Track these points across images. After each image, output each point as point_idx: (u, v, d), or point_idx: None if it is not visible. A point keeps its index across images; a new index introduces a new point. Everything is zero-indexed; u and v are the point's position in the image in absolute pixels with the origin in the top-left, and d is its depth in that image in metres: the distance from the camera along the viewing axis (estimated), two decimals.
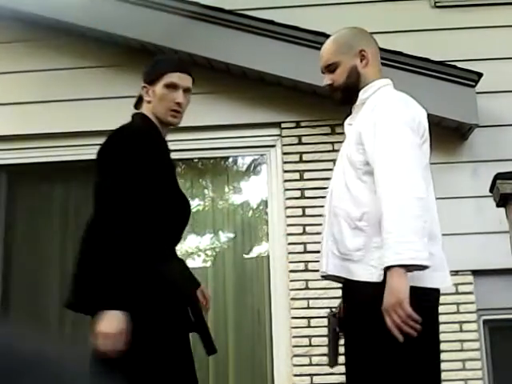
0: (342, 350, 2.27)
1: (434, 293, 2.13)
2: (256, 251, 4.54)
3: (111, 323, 1.95)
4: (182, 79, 2.33)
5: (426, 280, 2.05)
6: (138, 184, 2.10)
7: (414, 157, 2.06)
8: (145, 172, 2.13)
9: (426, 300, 2.07)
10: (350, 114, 2.38)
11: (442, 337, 4.03)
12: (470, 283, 3.97)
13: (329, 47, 2.34)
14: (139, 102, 2.39)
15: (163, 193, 2.21)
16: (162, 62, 2.40)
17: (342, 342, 2.29)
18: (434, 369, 2.15)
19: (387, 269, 1.96)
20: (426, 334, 2.00)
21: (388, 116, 2.12)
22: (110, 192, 2.07)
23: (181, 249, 4.39)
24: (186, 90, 2.36)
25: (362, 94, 2.27)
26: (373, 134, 2.11)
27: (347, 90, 2.29)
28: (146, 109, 2.33)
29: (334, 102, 2.38)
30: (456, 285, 3.94)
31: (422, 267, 1.96)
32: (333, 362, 2.32)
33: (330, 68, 2.32)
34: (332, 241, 2.22)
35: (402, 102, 2.18)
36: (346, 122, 2.37)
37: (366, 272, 2.08)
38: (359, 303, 2.10)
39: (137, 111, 2.37)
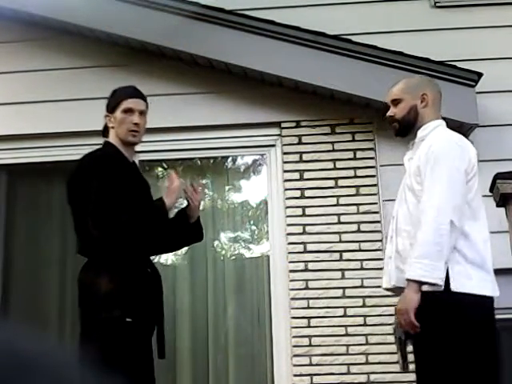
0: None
1: (484, 300, 2.54)
2: (256, 251, 4.55)
3: None
4: (137, 104, 2.73)
5: (481, 289, 2.51)
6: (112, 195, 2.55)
7: (450, 192, 2.45)
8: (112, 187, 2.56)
9: (475, 304, 2.49)
10: (406, 149, 2.79)
11: None
12: None
13: (398, 86, 2.75)
14: (106, 130, 2.79)
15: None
16: (119, 92, 2.80)
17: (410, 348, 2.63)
18: (493, 371, 2.51)
19: (407, 280, 2.44)
20: (483, 337, 2.50)
21: (438, 156, 2.51)
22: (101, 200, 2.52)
23: (181, 249, 4.39)
24: (142, 113, 2.75)
25: (420, 132, 2.66)
26: (427, 168, 2.50)
27: (404, 124, 2.69)
28: (111, 134, 2.75)
29: (393, 132, 2.79)
30: None
31: (433, 284, 2.39)
32: (403, 367, 2.66)
33: (395, 103, 2.71)
34: (397, 257, 2.60)
35: (456, 143, 2.57)
36: (406, 156, 2.74)
37: None
38: (424, 311, 2.43)
39: (105, 139, 2.78)
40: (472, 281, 2.47)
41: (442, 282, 2.39)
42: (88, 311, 2.58)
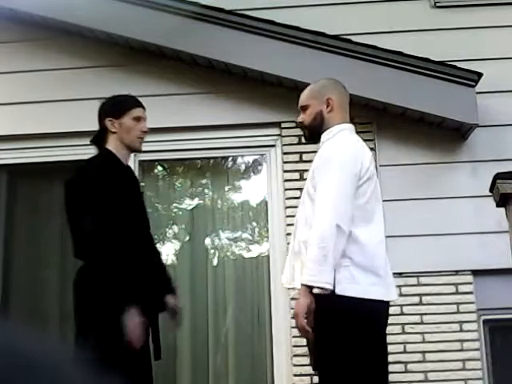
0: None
1: (371, 303, 2.50)
2: (256, 251, 4.55)
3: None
4: (143, 113, 2.85)
5: (366, 293, 2.49)
6: (108, 200, 2.60)
7: (337, 197, 2.49)
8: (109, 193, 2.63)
9: (358, 307, 2.47)
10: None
11: (442, 337, 4.02)
12: (470, 283, 3.97)
13: (305, 92, 2.79)
14: (99, 134, 2.81)
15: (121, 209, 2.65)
16: (128, 100, 2.87)
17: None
18: (374, 369, 2.51)
19: (301, 284, 2.49)
20: (363, 334, 2.47)
21: (329, 160, 2.57)
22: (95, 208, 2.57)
23: (181, 249, 4.40)
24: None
25: (324, 136, 2.70)
26: (319, 172, 2.57)
27: (312, 130, 2.75)
28: (111, 139, 2.78)
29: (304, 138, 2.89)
30: (456, 285, 3.94)
31: (321, 288, 2.42)
32: (313, 368, 2.64)
33: (303, 109, 2.76)
34: (292, 258, 2.66)
35: (350, 148, 2.63)
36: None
37: None
38: (317, 311, 2.47)
39: (100, 144, 2.82)
40: (358, 285, 2.48)
41: (329, 286, 2.42)
42: (84, 313, 2.57)
